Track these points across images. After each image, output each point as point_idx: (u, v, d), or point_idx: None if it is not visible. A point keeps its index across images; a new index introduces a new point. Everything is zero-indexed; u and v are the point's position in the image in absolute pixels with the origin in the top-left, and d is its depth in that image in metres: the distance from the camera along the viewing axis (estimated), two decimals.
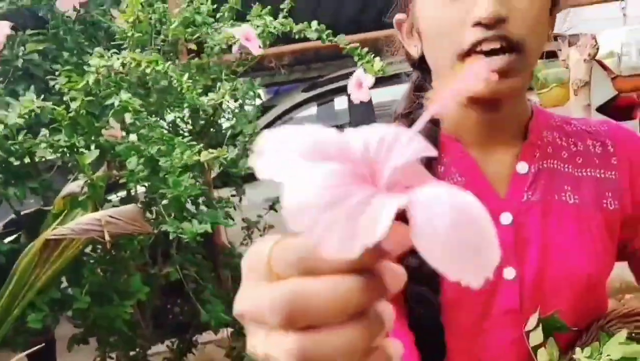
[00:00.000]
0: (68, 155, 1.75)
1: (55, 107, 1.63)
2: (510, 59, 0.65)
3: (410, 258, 0.40)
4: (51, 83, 1.84)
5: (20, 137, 1.61)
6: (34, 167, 1.89)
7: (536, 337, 0.67)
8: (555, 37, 3.07)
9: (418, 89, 0.80)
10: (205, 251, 2.42)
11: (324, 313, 0.26)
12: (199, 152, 1.67)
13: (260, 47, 1.90)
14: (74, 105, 1.73)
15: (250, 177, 2.50)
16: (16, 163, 1.85)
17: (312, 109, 4.96)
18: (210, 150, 1.60)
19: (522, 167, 0.75)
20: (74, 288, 1.70)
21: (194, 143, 1.67)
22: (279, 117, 4.32)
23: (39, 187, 1.83)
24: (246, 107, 2.35)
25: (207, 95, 1.91)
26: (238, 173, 2.25)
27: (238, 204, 2.37)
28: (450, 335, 0.69)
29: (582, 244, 0.74)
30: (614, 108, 4.27)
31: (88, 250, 1.87)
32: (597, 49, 2.03)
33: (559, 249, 0.73)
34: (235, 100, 2.35)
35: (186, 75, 1.79)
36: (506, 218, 0.73)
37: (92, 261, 1.80)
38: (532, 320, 0.68)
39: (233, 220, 2.38)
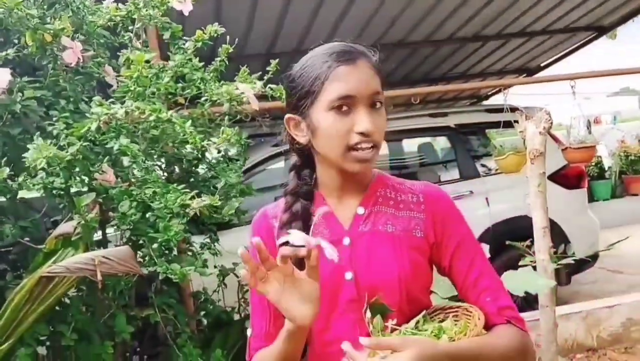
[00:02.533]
0: (61, 197, 1.83)
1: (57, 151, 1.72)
2: (372, 152, 1.08)
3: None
4: (49, 128, 1.94)
5: (20, 178, 1.68)
6: (24, 207, 1.96)
7: (368, 315, 1.05)
8: (513, 110, 3.35)
9: (299, 169, 1.20)
10: (178, 296, 2.48)
11: None
12: (192, 198, 1.79)
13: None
14: (71, 150, 1.83)
15: (223, 225, 2.60)
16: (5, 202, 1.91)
17: (280, 163, 5.14)
18: (202, 198, 1.72)
19: (360, 210, 1.17)
20: (60, 325, 1.74)
21: (187, 190, 1.78)
22: (248, 169, 4.46)
23: (30, 226, 1.89)
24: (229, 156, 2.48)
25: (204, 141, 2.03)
26: (217, 220, 2.36)
27: (216, 250, 2.46)
28: None
29: (394, 256, 1.13)
30: (564, 177, 4.58)
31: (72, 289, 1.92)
32: (551, 123, 2.27)
33: (379, 259, 1.12)
34: (219, 152, 2.49)
35: (189, 122, 1.92)
36: (346, 241, 1.14)
37: (77, 300, 1.85)
38: (365, 305, 1.06)
39: (207, 266, 2.47)
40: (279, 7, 4.39)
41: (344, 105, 1.06)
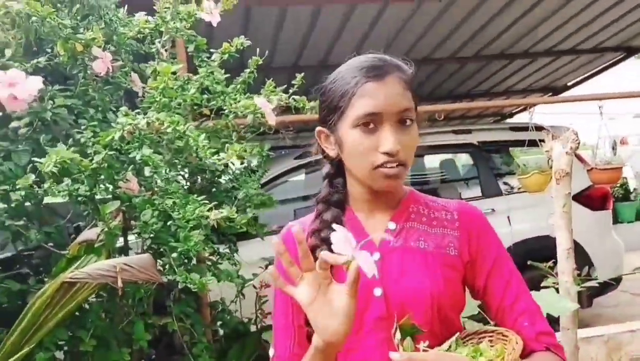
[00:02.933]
0: (86, 204, 1.86)
1: (82, 158, 1.75)
2: (399, 170, 1.05)
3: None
4: (77, 136, 1.98)
5: (46, 185, 1.72)
6: (49, 212, 1.99)
7: (398, 336, 0.99)
8: (539, 128, 3.31)
9: (332, 178, 1.18)
10: (196, 305, 2.49)
11: None
12: (210, 210, 1.80)
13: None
14: (97, 158, 1.86)
15: (244, 235, 2.62)
16: (31, 207, 1.95)
17: (301, 176, 5.16)
18: (220, 210, 1.73)
19: (392, 225, 1.14)
20: (79, 330, 1.77)
21: (206, 202, 1.79)
22: (270, 181, 4.49)
23: (54, 232, 1.92)
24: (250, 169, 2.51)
25: (216, 155, 2.06)
26: (233, 230, 2.37)
27: (237, 261, 2.47)
28: None
29: (426, 273, 1.09)
30: (589, 198, 4.51)
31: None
32: (579, 143, 2.24)
33: (410, 275, 1.08)
34: (241, 163, 2.51)
35: (202, 136, 1.94)
36: (376, 256, 1.10)
37: (97, 306, 1.88)
38: (395, 325, 1.00)
39: (229, 276, 2.48)
40: (307, 20, 4.43)
41: (370, 122, 1.04)
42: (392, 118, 1.04)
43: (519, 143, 4.08)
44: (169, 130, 1.85)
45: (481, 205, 4.54)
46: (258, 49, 2.37)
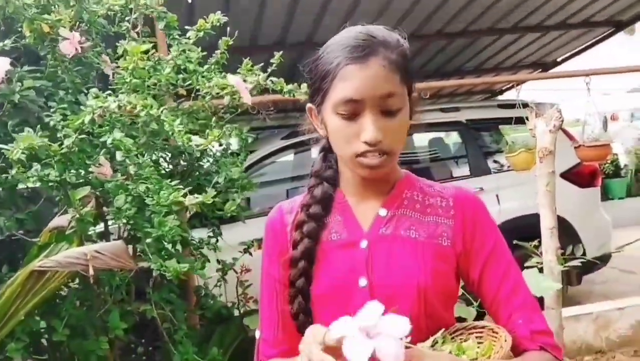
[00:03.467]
0: (57, 189, 1.80)
1: (51, 143, 1.69)
2: (381, 159, 0.98)
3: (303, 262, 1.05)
4: (46, 119, 1.91)
5: (14, 171, 1.66)
6: (21, 199, 1.94)
7: None
8: (524, 105, 3.27)
9: (326, 152, 1.13)
10: (179, 291, 2.45)
11: None
12: (185, 195, 1.75)
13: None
14: (67, 142, 1.80)
15: (227, 219, 2.58)
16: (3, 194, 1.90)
17: (290, 156, 5.10)
18: (196, 195, 1.68)
19: (382, 211, 1.07)
20: (53, 319, 1.72)
21: (180, 187, 1.74)
22: (258, 161, 4.43)
23: (27, 219, 1.87)
24: (230, 151, 2.45)
25: (195, 137, 2.00)
26: (215, 215, 2.32)
27: (216, 245, 2.42)
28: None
29: (415, 264, 1.03)
30: (577, 175, 4.49)
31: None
32: (562, 121, 2.20)
33: (398, 265, 1.03)
34: (220, 145, 2.45)
35: (178, 120, 1.88)
36: (364, 244, 1.05)
37: (72, 294, 1.83)
38: None
39: (209, 260, 2.44)
40: None
41: (351, 109, 0.97)
42: (374, 104, 0.96)
43: (508, 121, 4.04)
44: (142, 113, 1.79)
45: (470, 183, 4.51)
46: (240, 28, 2.29)
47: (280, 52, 2.37)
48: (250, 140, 2.35)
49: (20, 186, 1.94)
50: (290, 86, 2.17)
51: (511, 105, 4.09)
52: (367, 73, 0.96)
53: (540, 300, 2.33)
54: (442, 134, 6.01)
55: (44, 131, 1.94)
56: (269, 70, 2.33)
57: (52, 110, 1.95)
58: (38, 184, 1.85)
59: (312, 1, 4.47)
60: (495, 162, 5.04)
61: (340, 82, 0.97)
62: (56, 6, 2.13)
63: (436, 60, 6.56)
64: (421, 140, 6.03)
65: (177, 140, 1.76)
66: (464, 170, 5.00)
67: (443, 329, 1.01)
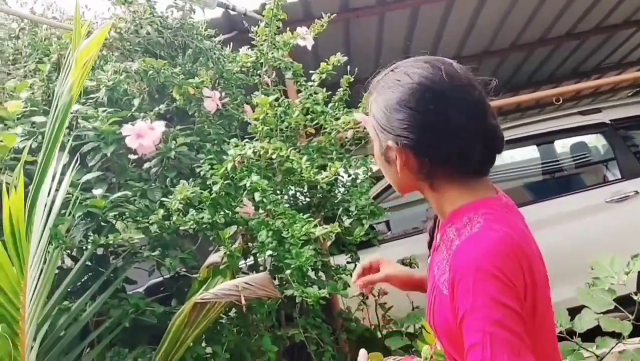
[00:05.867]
0: (211, 230, 2.06)
1: (202, 191, 1.95)
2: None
3: None
4: (197, 170, 2.20)
5: (175, 217, 1.93)
6: (183, 240, 2.23)
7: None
8: None
9: None
10: (325, 316, 2.62)
11: None
12: (315, 227, 1.91)
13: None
14: (215, 188, 2.06)
15: (365, 244, 2.71)
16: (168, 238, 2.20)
17: None
18: (324, 225, 1.83)
19: (438, 237, 1.07)
20: (215, 345, 1.96)
21: (311, 219, 1.90)
22: (388, 187, 4.52)
23: (188, 257, 2.15)
24: (359, 180, 2.59)
25: (323, 171, 2.17)
26: (352, 241, 2.47)
27: (351, 272, 2.55)
28: None
29: (431, 303, 1.02)
30: None
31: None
32: None
33: (428, 301, 1.03)
34: (349, 176, 2.60)
35: (305, 158, 2.06)
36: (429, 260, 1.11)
37: (228, 323, 2.06)
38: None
39: (349, 286, 2.57)
40: (405, 24, 4.44)
41: None
42: None
43: None
44: (273, 156, 2.00)
45: (623, 187, 4.20)
46: (361, 61, 2.46)
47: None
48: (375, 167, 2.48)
49: (182, 228, 2.25)
50: None
51: None
52: None
53: None
54: (585, 138, 5.64)
55: (196, 180, 2.24)
56: None
57: (201, 161, 2.23)
58: (194, 227, 2.13)
59: (427, 26, 4.53)
60: None
61: None
62: (198, 70, 2.45)
63: (570, 62, 6.22)
64: (562, 146, 5.72)
65: (305, 175, 1.93)
66: (615, 173, 4.66)
67: None
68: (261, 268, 2.53)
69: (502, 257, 0.89)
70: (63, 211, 1.93)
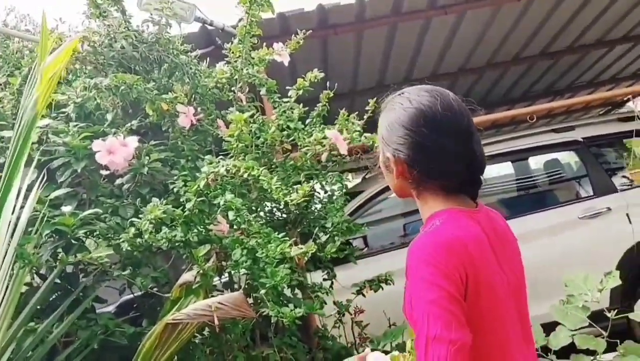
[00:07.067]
0: (183, 248, 2.02)
1: (175, 209, 1.91)
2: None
3: None
4: (170, 186, 2.16)
5: (147, 236, 1.89)
6: (156, 257, 2.18)
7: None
8: None
9: None
10: (301, 334, 2.58)
11: None
12: (290, 246, 1.88)
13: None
14: (188, 205, 2.02)
15: (342, 260, 2.69)
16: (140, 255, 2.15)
17: None
18: (300, 245, 1.81)
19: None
20: None
21: (287, 238, 1.88)
22: (371, 199, 4.48)
23: (160, 276, 2.10)
24: (334, 197, 2.58)
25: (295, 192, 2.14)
26: (326, 257, 2.44)
27: (330, 289, 2.53)
28: None
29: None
30: None
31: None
32: None
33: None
34: (325, 192, 2.59)
35: (275, 178, 2.03)
36: None
37: (201, 343, 2.02)
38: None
39: (326, 303, 2.55)
40: (383, 42, 4.47)
41: None
42: None
43: (630, 135, 3.80)
44: (244, 175, 1.97)
45: (595, 204, 4.27)
46: (339, 76, 2.45)
47: (375, 98, 2.47)
48: (355, 182, 2.48)
49: (154, 245, 2.20)
50: None
51: (631, 118, 3.85)
52: None
53: None
54: (558, 155, 5.73)
55: (169, 197, 2.20)
56: (365, 117, 2.44)
57: (175, 177, 2.20)
58: (166, 245, 2.08)
59: (405, 42, 4.57)
60: (625, 177, 4.71)
61: None
62: (173, 85, 2.42)
63: (543, 81, 6.34)
64: (536, 163, 5.80)
65: (275, 196, 1.90)
66: (588, 190, 4.73)
67: None
68: (236, 285, 2.49)
69: (442, 249, 1.04)
70: (30, 229, 1.87)
